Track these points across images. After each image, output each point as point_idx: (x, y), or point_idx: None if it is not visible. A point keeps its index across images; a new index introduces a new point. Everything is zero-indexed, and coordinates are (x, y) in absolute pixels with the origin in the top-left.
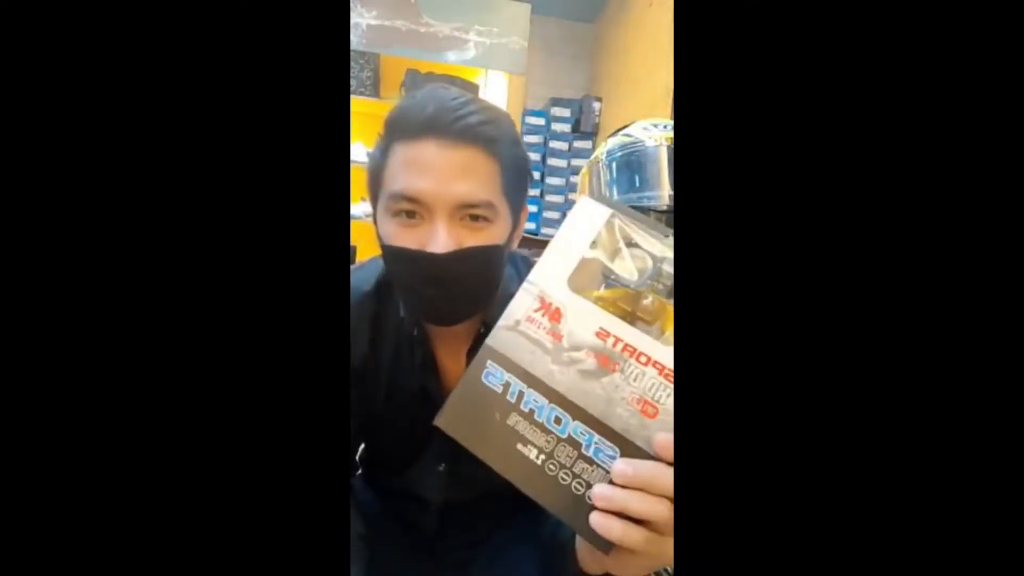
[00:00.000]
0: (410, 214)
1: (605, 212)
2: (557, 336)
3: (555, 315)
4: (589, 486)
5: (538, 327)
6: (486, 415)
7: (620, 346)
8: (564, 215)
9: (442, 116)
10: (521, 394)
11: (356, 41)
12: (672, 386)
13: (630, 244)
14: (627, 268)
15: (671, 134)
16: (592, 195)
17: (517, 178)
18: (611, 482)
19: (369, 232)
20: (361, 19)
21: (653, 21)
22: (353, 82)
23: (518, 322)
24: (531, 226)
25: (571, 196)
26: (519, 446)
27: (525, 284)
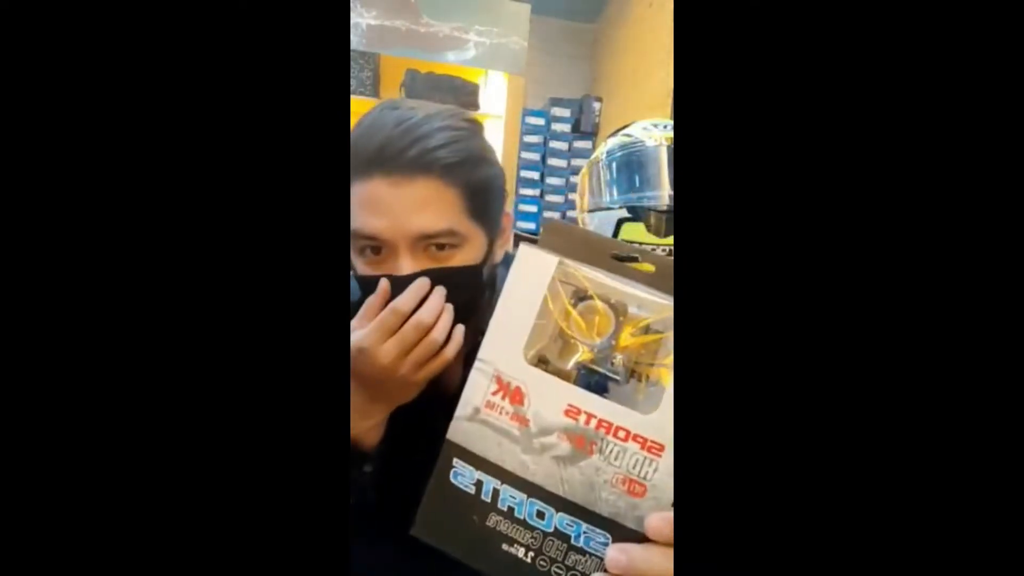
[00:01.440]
0: (375, 250)
1: (551, 260)
2: (523, 421)
3: (516, 396)
4: None
5: (500, 413)
6: (463, 519)
7: (594, 423)
8: (564, 215)
9: (389, 147)
10: (496, 492)
11: (356, 41)
12: (658, 459)
13: (584, 297)
14: (584, 331)
15: (671, 134)
16: (592, 195)
17: (485, 197)
18: (606, 570)
19: None
20: (361, 19)
21: (653, 21)
22: (353, 82)
23: (477, 410)
24: (531, 226)
25: (571, 196)
26: (504, 547)
27: (477, 363)
